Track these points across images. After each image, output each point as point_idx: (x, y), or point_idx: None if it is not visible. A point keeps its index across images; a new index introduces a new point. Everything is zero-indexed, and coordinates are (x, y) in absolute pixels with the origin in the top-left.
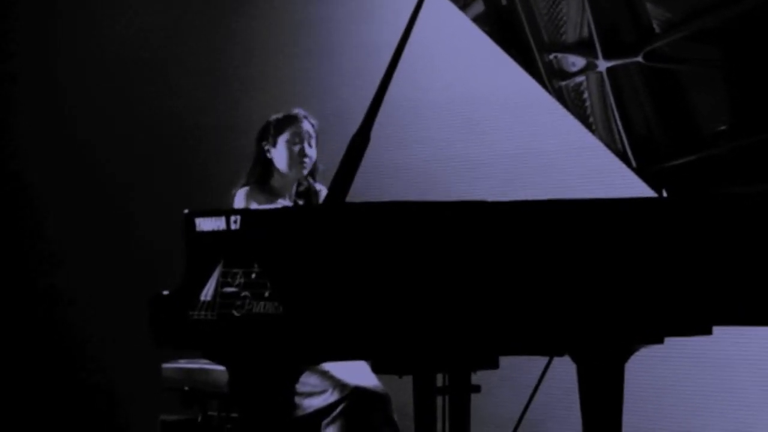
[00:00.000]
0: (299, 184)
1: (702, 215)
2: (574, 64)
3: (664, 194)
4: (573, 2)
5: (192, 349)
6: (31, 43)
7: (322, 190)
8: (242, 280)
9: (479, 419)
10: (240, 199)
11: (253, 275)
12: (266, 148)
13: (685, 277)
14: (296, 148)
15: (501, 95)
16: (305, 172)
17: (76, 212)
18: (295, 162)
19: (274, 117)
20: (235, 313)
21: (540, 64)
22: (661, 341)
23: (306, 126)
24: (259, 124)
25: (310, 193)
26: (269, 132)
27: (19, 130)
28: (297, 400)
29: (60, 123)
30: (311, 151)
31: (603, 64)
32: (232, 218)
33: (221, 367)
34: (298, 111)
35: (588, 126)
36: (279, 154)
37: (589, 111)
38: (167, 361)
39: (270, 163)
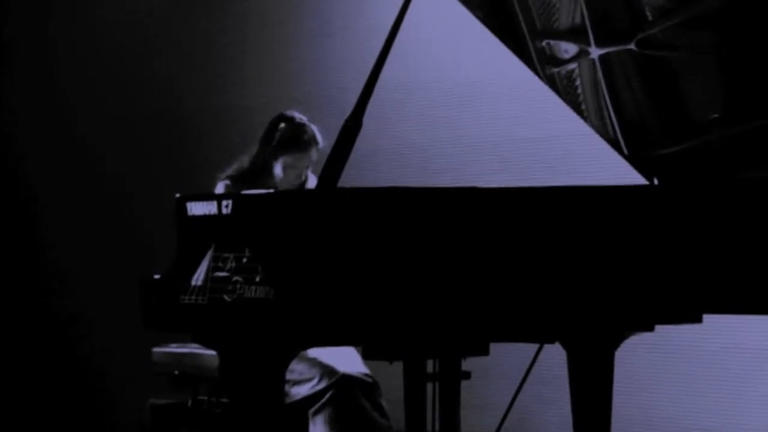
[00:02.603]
0: None
1: (693, 203)
2: (566, 51)
3: (656, 182)
4: None
5: (182, 333)
6: (24, 30)
7: (310, 178)
8: (233, 265)
9: (469, 406)
10: (219, 191)
11: (244, 260)
12: (268, 152)
13: (675, 265)
14: (293, 173)
15: (493, 81)
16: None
17: (68, 195)
18: (288, 184)
19: (284, 126)
20: (226, 298)
21: (532, 51)
22: (651, 329)
23: (312, 155)
24: (253, 109)
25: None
26: (273, 140)
27: (11, 117)
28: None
29: (53, 110)
30: (306, 173)
31: (595, 51)
32: (224, 202)
33: (212, 352)
34: (309, 132)
35: (580, 113)
36: (276, 169)
37: (581, 98)
38: (157, 345)
39: (270, 166)
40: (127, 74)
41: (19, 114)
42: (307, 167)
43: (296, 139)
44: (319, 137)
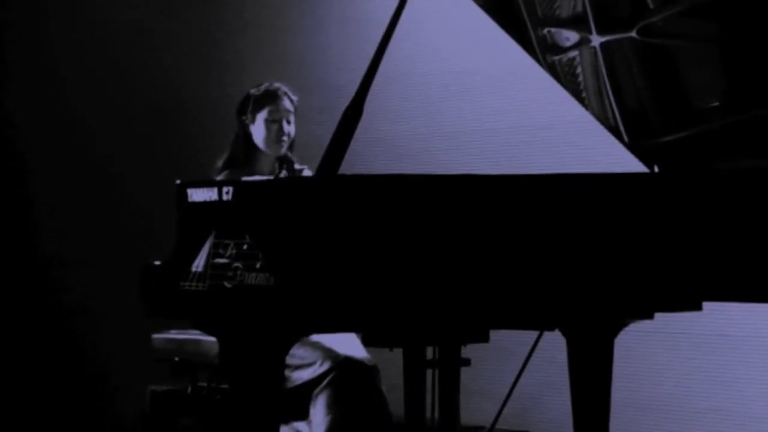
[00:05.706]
0: (278, 159)
1: (693, 191)
2: (567, 39)
3: (656, 170)
4: None
5: (182, 319)
6: (22, 14)
7: (304, 170)
8: (234, 251)
9: (469, 392)
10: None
11: (245, 246)
12: (246, 122)
13: (675, 253)
14: (274, 127)
15: (494, 69)
16: (283, 150)
17: (67, 181)
18: (272, 140)
19: (253, 91)
20: (227, 284)
21: (534, 39)
22: (650, 316)
23: (285, 104)
24: None
25: (291, 167)
26: (248, 107)
27: (10, 101)
28: (285, 372)
29: (52, 95)
30: (289, 129)
31: (596, 39)
32: (224, 189)
33: (212, 338)
34: (278, 87)
35: (581, 101)
36: (257, 131)
37: (582, 86)
38: (157, 332)
39: (251, 137)
40: (125, 64)
41: (17, 105)
42: (288, 120)
43: (266, 92)
44: (288, 90)
